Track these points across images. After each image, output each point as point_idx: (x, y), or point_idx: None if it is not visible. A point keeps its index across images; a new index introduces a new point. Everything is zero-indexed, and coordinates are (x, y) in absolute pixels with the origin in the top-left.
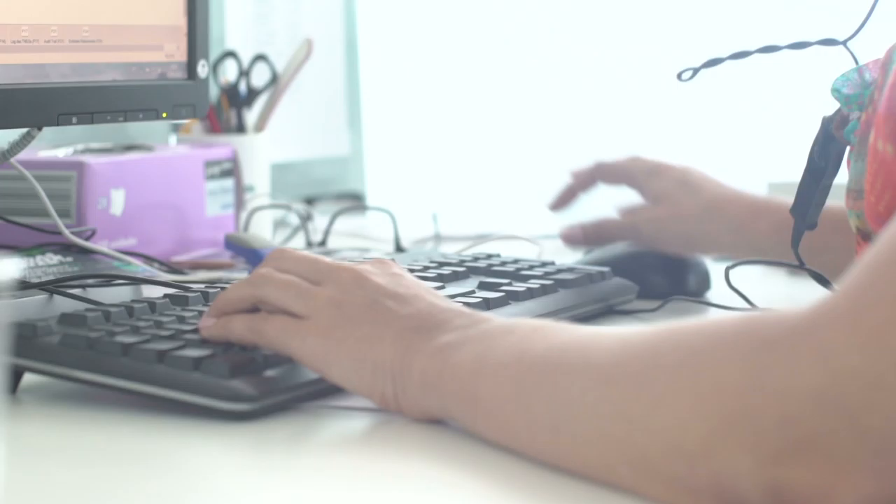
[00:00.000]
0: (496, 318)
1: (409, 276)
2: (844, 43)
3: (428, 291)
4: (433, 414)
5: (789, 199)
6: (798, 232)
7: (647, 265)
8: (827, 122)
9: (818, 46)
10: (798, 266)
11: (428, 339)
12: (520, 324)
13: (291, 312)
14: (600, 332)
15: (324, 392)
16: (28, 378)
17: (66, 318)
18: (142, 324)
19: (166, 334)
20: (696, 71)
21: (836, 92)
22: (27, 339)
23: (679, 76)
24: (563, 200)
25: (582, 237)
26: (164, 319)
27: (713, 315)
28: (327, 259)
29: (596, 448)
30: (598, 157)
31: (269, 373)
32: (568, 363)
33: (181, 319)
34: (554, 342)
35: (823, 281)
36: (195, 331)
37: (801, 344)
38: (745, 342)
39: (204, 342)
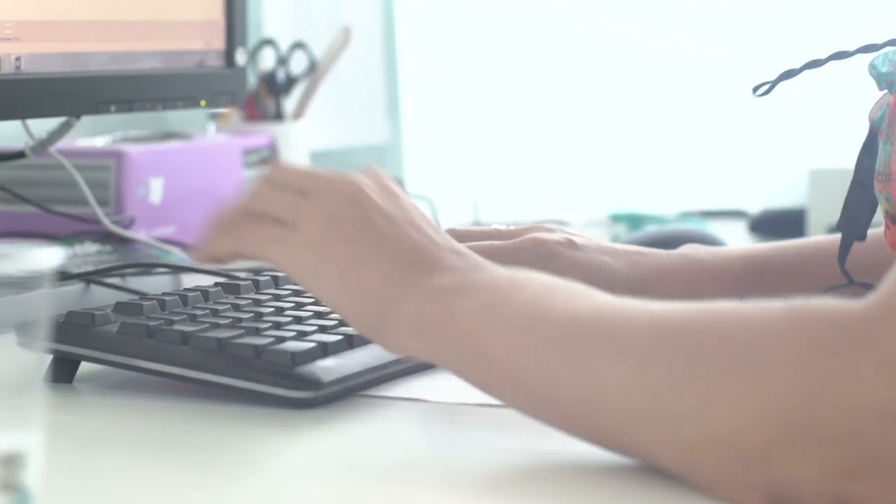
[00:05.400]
0: (493, 265)
1: (403, 195)
2: None
3: (422, 218)
4: (422, 358)
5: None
6: (845, 246)
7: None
8: (874, 127)
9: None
10: (846, 284)
11: (423, 276)
12: (527, 279)
13: (280, 222)
14: (626, 307)
15: (385, 379)
16: (84, 367)
17: (121, 307)
18: (198, 312)
19: (224, 322)
20: (772, 85)
21: (872, 68)
22: (84, 329)
23: (754, 91)
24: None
25: None
26: (220, 308)
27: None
28: (323, 171)
29: (638, 438)
30: None
31: (331, 361)
32: (597, 343)
33: (236, 307)
34: (576, 311)
35: (871, 289)
36: (253, 318)
37: (862, 354)
38: (802, 345)
39: (262, 331)
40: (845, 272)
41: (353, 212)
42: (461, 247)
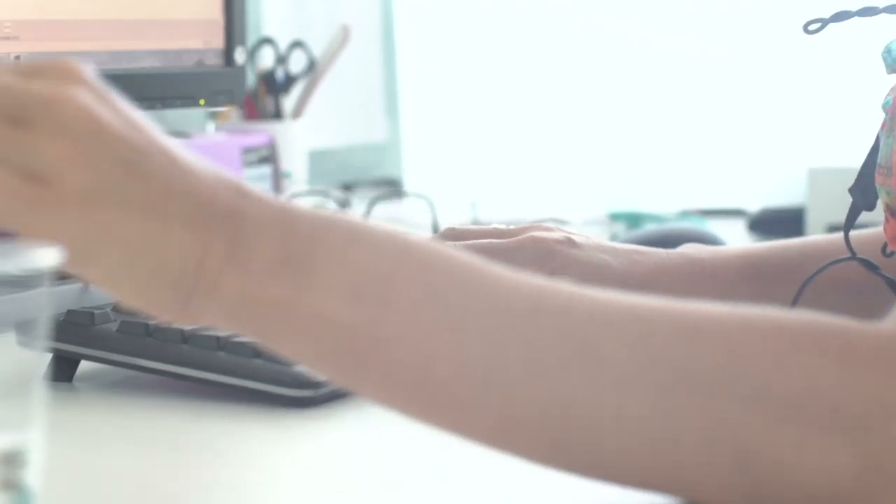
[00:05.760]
0: (290, 205)
1: (119, 98)
2: None
3: (156, 131)
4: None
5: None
6: (854, 213)
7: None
8: None
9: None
10: (849, 259)
11: (232, 241)
12: (361, 231)
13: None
14: (576, 300)
15: None
16: (84, 366)
17: (121, 306)
18: None
19: None
20: (824, 23)
21: (887, 52)
22: (84, 328)
23: (805, 28)
24: None
25: None
26: None
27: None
28: (6, 74)
29: (623, 471)
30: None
31: None
32: (565, 345)
33: None
34: (508, 301)
35: (872, 267)
36: None
37: None
38: (863, 405)
39: None
40: (849, 244)
41: (103, 154)
42: (221, 170)
